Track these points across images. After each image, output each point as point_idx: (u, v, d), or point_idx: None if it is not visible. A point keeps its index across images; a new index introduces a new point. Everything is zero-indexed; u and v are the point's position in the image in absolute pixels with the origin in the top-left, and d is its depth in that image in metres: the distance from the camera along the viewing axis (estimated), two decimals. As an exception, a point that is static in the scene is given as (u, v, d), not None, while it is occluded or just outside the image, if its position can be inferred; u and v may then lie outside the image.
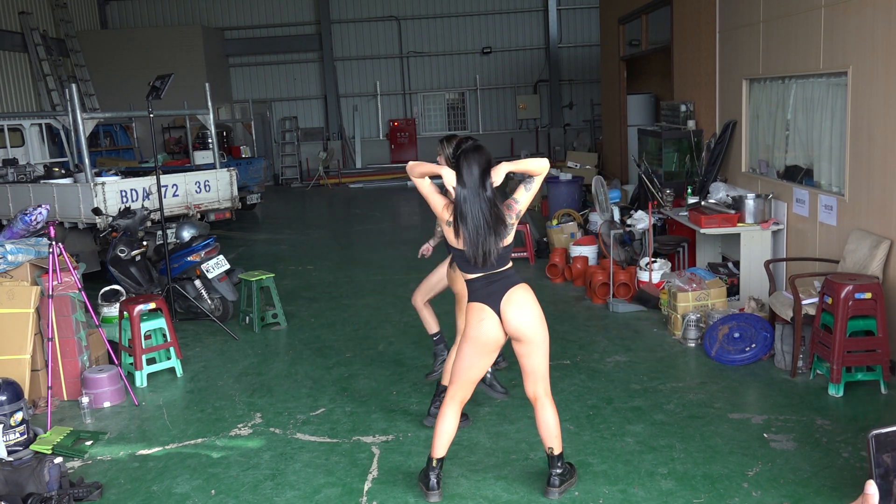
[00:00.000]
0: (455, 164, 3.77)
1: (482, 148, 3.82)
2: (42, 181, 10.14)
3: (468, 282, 3.84)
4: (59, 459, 4.24)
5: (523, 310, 3.77)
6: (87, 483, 4.26)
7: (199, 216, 10.39)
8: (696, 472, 4.15)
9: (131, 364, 6.03)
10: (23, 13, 17.57)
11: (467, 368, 3.91)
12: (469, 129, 23.19)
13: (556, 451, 3.96)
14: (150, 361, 6.14)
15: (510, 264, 3.85)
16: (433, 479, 3.98)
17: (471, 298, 3.84)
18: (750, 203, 6.83)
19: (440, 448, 3.97)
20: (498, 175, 3.73)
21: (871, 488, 0.99)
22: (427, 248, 5.57)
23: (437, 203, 3.84)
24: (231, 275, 7.68)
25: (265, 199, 15.13)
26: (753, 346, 5.77)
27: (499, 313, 3.77)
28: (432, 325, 5.41)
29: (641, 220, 8.53)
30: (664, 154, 9.33)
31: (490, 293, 3.77)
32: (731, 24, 8.10)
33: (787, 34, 6.74)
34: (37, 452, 4.47)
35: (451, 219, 3.76)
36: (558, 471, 3.97)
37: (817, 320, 5.26)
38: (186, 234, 8.90)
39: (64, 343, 5.65)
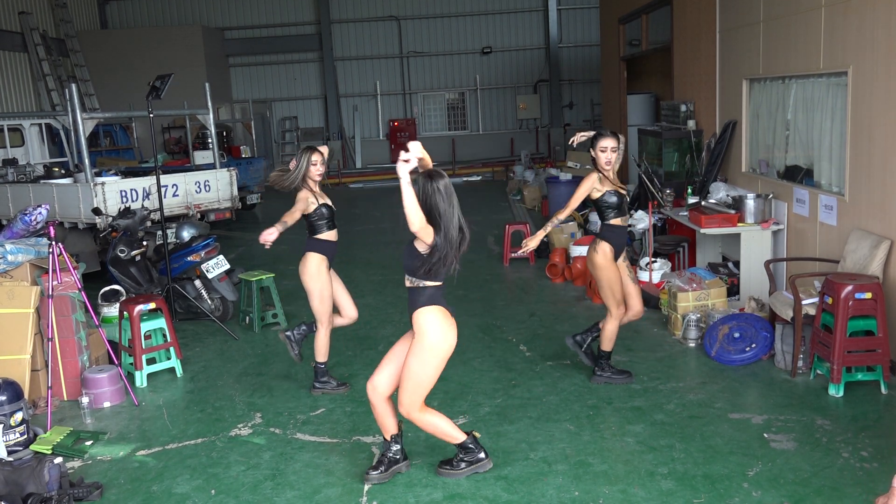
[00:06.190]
0: (424, 193, 3.81)
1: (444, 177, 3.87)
2: (42, 181, 10.15)
3: (437, 287, 3.96)
4: (59, 459, 4.24)
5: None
6: (87, 483, 4.26)
7: (199, 216, 10.39)
8: (696, 472, 4.16)
9: (131, 364, 6.03)
10: (23, 13, 17.57)
11: (432, 377, 4.01)
12: (469, 128, 23.22)
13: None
14: (150, 361, 6.14)
15: None
16: (479, 450, 4.27)
17: (438, 302, 3.95)
18: (750, 203, 6.83)
19: (459, 431, 4.22)
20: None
21: None
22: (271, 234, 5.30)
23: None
24: (231, 275, 7.69)
25: (265, 199, 15.11)
26: (753, 346, 5.77)
27: None
28: None
29: (641, 220, 8.54)
30: (664, 154, 9.33)
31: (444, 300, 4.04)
32: (731, 24, 8.10)
33: (787, 34, 6.74)
34: (37, 452, 4.47)
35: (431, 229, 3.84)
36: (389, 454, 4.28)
37: (817, 320, 5.26)
38: (186, 234, 8.91)
39: (64, 343, 5.65)
